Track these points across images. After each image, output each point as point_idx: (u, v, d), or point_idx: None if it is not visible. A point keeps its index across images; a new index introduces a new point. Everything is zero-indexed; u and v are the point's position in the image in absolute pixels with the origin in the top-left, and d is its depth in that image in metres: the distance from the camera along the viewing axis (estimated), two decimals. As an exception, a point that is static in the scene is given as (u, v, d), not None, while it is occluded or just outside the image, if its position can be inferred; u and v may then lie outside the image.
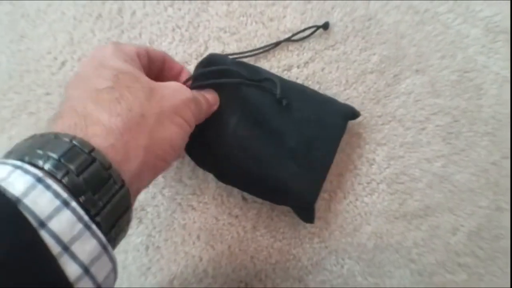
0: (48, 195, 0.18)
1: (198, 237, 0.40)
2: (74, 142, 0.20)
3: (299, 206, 0.37)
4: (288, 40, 0.41)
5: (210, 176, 0.40)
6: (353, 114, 0.38)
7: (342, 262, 0.40)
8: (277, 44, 0.40)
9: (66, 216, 0.18)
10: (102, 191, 0.20)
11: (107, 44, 0.28)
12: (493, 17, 0.42)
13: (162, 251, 0.40)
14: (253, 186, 0.37)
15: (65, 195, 0.18)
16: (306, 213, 0.37)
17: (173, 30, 0.42)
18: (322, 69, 0.41)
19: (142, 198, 0.40)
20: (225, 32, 0.42)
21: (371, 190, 0.40)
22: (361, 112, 0.40)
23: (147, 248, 0.40)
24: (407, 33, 0.41)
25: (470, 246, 0.41)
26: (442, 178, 0.41)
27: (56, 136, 0.21)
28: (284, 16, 0.41)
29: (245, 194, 0.40)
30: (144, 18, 0.42)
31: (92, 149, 0.20)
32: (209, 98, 0.33)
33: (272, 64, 0.41)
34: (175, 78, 0.34)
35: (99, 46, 0.30)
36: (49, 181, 0.18)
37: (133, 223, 0.40)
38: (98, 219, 0.19)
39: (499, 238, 0.41)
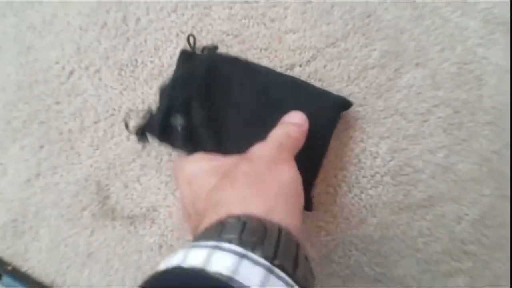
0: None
1: (209, 235, 0.42)
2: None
3: None
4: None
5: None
6: (345, 104, 0.39)
7: (349, 254, 0.41)
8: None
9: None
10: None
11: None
12: (491, 8, 0.42)
13: (175, 250, 0.41)
14: None
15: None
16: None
17: (177, 35, 0.43)
18: (324, 67, 0.42)
19: (154, 200, 0.42)
20: (228, 35, 0.42)
21: (375, 183, 0.41)
22: (364, 107, 0.41)
23: (160, 247, 0.41)
24: (406, 28, 0.42)
25: (475, 234, 0.42)
26: (445, 169, 0.42)
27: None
28: (285, 17, 0.42)
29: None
30: (149, 25, 0.43)
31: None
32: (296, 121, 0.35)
33: (275, 64, 0.42)
34: None
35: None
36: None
37: (146, 223, 0.42)
38: (276, 262, 0.21)
39: (503, 225, 0.42)
